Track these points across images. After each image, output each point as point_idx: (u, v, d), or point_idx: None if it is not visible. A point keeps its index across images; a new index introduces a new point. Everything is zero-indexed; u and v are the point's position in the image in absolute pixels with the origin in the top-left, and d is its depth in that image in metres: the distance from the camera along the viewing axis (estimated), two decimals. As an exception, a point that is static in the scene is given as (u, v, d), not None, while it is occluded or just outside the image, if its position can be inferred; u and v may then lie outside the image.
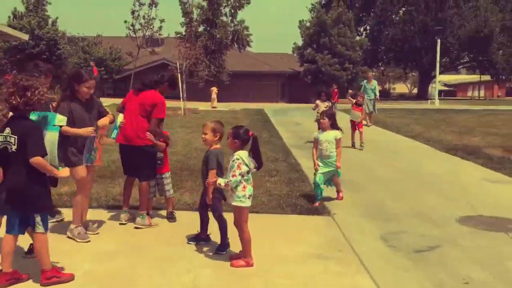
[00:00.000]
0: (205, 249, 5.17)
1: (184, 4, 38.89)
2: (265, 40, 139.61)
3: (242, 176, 4.57)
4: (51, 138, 4.18)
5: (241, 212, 4.67)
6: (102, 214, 6.32)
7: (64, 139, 4.75)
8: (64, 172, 4.26)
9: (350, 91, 20.60)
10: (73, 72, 5.66)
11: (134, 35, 30.97)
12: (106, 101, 12.32)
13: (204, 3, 39.72)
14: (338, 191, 7.40)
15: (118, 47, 40.63)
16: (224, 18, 41.13)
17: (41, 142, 4.02)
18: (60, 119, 4.43)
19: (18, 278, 4.16)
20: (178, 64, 24.07)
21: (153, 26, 31.01)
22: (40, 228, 4.12)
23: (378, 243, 5.60)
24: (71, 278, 4.28)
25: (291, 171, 9.36)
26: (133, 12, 30.43)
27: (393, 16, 54.08)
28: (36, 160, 3.92)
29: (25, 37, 23.76)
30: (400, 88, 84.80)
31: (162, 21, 31.16)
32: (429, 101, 42.40)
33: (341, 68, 41.89)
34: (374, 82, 19.03)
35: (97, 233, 5.60)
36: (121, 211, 6.09)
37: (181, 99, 23.67)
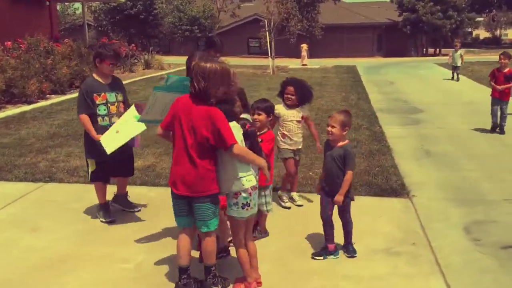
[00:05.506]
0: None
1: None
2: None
3: None
4: None
5: (230, 223, 3.93)
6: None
7: None
8: None
9: None
10: None
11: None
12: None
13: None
14: None
15: (211, 5, 40.78)
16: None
17: None
18: None
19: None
20: (266, 22, 23.55)
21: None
22: None
23: (460, 235, 4.96)
24: None
25: (373, 141, 8.75)
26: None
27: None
28: None
29: (122, -2, 24.60)
30: (513, 34, 77.70)
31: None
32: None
33: (444, 16, 38.90)
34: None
35: None
36: None
37: (270, 57, 23.27)
